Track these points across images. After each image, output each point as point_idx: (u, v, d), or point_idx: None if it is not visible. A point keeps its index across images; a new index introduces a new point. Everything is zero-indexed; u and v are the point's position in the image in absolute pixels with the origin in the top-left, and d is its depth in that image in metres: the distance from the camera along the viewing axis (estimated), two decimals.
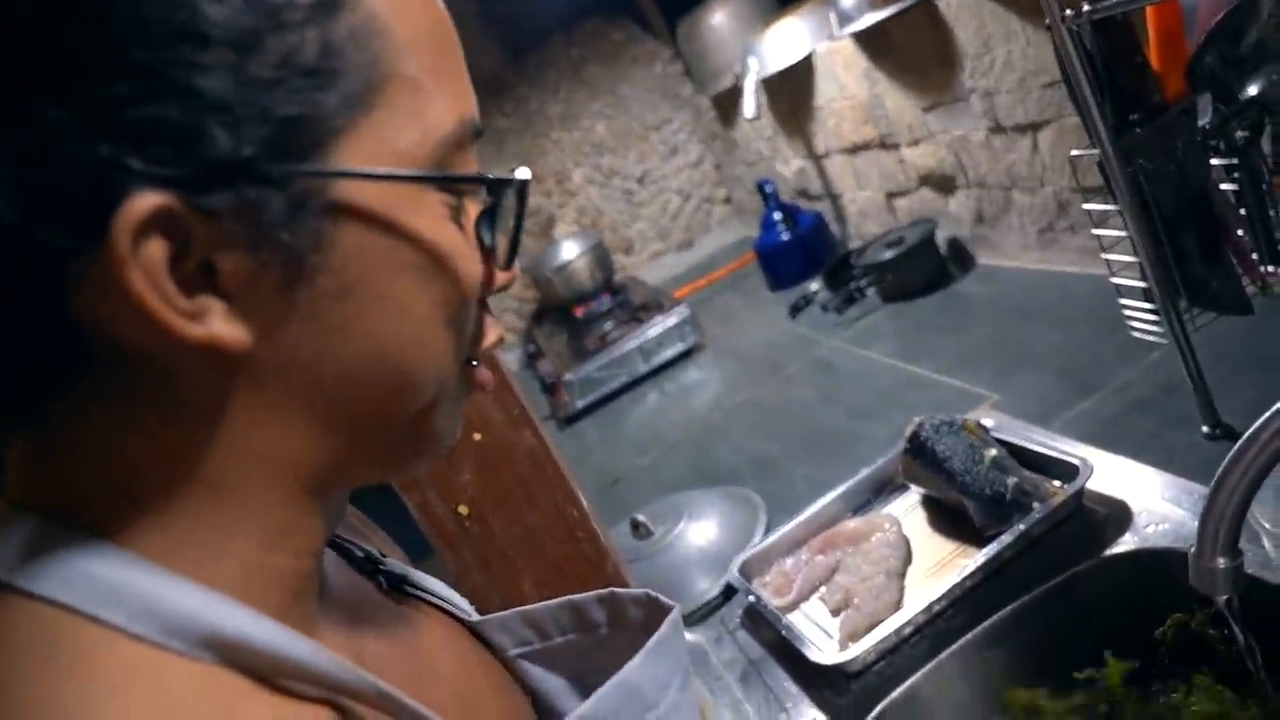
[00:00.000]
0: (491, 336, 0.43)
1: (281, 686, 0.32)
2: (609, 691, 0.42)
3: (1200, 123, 0.98)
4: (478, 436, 0.85)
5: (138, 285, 0.29)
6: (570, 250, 2.87)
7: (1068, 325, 1.42)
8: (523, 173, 0.39)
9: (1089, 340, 1.33)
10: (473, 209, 0.40)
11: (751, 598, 1.10)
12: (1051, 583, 0.93)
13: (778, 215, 2.39)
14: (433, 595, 0.54)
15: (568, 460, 0.98)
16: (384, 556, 0.53)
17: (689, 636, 1.15)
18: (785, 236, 2.37)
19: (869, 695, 0.90)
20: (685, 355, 2.31)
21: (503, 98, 3.19)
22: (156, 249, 0.29)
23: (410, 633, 0.48)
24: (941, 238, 1.92)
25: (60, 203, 0.28)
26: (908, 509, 1.17)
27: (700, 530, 1.33)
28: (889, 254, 1.92)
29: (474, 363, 0.42)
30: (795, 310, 2.15)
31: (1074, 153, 1.00)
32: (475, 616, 0.55)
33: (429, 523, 0.85)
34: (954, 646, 0.91)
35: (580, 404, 2.29)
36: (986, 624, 0.93)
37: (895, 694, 0.88)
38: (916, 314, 1.83)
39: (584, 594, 0.54)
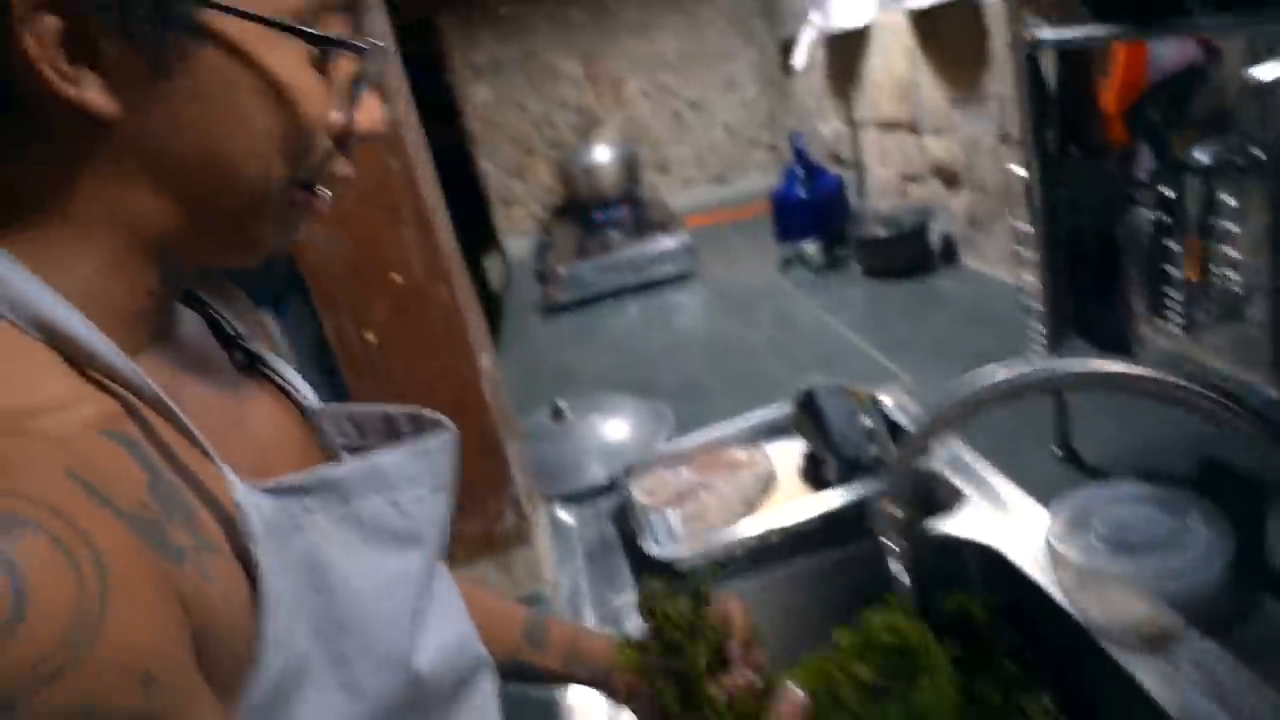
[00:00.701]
0: (342, 172, 0.53)
1: (87, 375, 0.44)
2: (356, 465, 0.53)
3: (1136, 173, 1.04)
4: (398, 279, 0.96)
5: (31, 47, 0.39)
6: (602, 154, 2.93)
7: (1003, 333, 1.50)
8: (366, 43, 0.49)
9: (1011, 350, 1.40)
10: (348, 65, 0.49)
11: (626, 493, 1.22)
12: (865, 541, 1.04)
13: (800, 171, 2.43)
14: (280, 378, 0.65)
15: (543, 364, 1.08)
16: (248, 338, 0.64)
17: (564, 515, 1.28)
18: (802, 193, 2.41)
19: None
20: (677, 279, 2.40)
21: None
22: (51, 23, 0.39)
23: (238, 393, 0.59)
24: (936, 230, 1.97)
25: None
26: (788, 454, 1.28)
27: (611, 428, 1.45)
28: (882, 233, 1.98)
29: (314, 190, 0.51)
30: (786, 264, 2.22)
31: (1010, 166, 1.06)
32: (320, 406, 0.67)
33: (339, 345, 0.96)
34: (767, 567, 1.04)
35: (565, 298, 2.39)
36: (799, 558, 1.05)
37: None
38: (889, 294, 1.90)
39: (398, 407, 0.66)
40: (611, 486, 1.30)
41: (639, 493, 1.22)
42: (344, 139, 0.51)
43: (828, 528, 1.07)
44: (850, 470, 1.12)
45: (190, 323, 0.58)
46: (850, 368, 1.55)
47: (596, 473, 1.35)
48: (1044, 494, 1.04)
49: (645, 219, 2.79)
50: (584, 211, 2.97)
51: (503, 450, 1.06)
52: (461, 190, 3.68)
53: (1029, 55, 0.96)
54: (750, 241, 2.65)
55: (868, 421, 1.16)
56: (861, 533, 1.07)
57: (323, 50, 0.47)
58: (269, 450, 0.58)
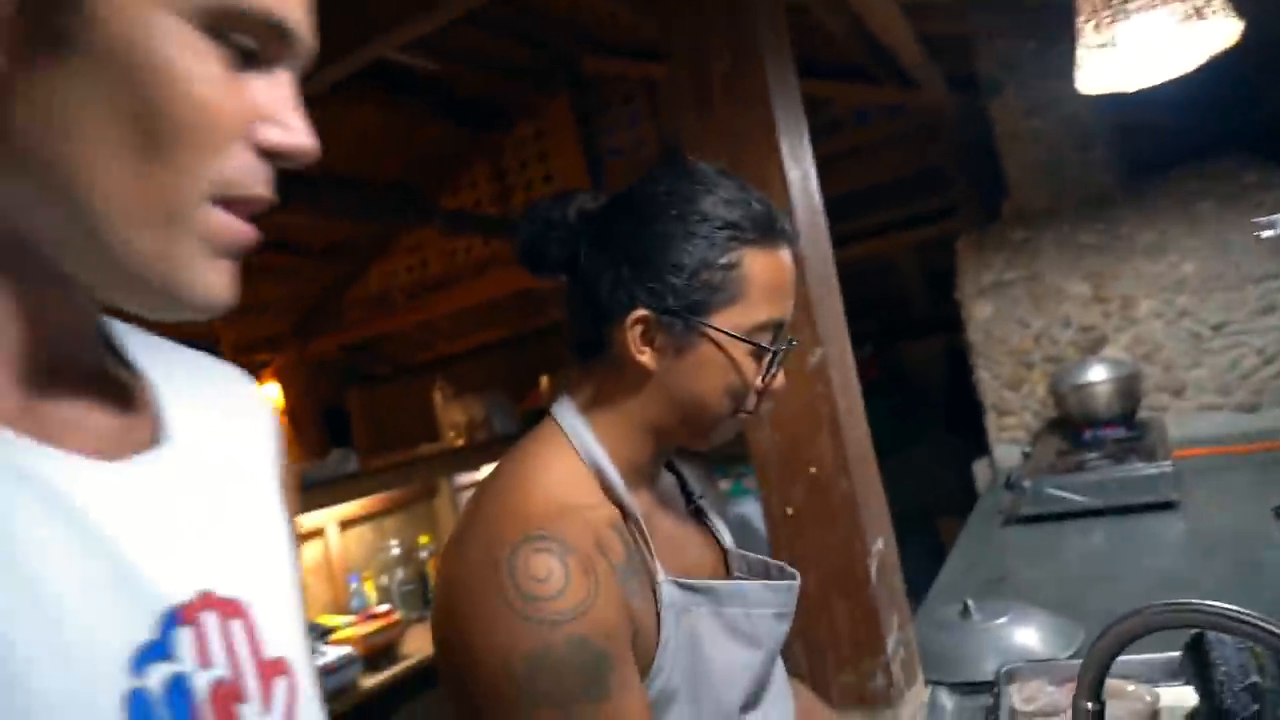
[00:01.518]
0: (763, 407, 0.91)
1: (608, 494, 0.87)
2: (730, 584, 0.88)
3: None
4: (813, 470, 1.30)
5: (631, 335, 0.85)
6: (1097, 373, 2.95)
7: None
8: (786, 348, 0.87)
9: None
10: (765, 357, 0.88)
11: (1000, 694, 1.34)
12: None
13: None
14: (712, 524, 1.03)
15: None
16: (700, 495, 1.04)
17: (945, 701, 1.44)
18: None
19: None
20: (1151, 508, 2.32)
21: (1098, 216, 3.32)
22: (639, 324, 0.84)
23: (684, 527, 0.98)
24: None
25: (617, 299, 0.85)
26: (1185, 700, 1.27)
27: (1015, 634, 1.56)
28: None
29: (747, 412, 0.90)
30: (1279, 512, 2.03)
31: None
32: (732, 548, 1.03)
33: (768, 511, 1.33)
34: None
35: (1027, 511, 2.46)
36: None
37: None
38: None
39: (775, 562, 0.99)
40: (994, 684, 1.42)
41: (1015, 698, 1.33)
42: (761, 394, 0.90)
43: None
44: None
45: (667, 478, 1.00)
46: None
47: (987, 672, 1.48)
48: None
49: (1134, 443, 2.72)
50: (1073, 428, 2.99)
51: (879, 621, 1.30)
52: (959, 397, 3.91)
53: None
54: (1255, 479, 2.42)
55: (1256, 678, 1.14)
56: None
57: (759, 348, 0.87)
58: (692, 565, 0.97)
